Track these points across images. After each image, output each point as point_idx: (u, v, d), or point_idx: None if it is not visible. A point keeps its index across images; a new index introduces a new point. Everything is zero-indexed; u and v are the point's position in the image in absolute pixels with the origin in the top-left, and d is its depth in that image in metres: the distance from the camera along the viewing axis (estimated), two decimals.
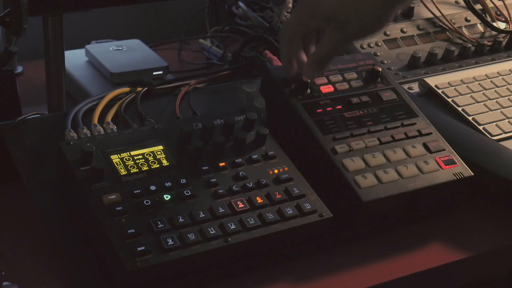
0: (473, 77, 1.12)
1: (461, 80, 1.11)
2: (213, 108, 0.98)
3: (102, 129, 0.88)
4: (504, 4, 1.28)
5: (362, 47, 1.14)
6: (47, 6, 1.01)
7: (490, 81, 1.12)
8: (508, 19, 1.26)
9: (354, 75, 0.98)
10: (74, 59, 1.23)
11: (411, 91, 1.08)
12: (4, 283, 0.80)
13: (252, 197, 0.82)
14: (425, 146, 0.93)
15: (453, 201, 0.95)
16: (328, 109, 0.93)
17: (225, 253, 0.78)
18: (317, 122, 0.91)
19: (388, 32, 1.18)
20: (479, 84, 1.11)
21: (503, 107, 1.07)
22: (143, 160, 0.84)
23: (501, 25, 1.25)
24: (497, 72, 1.14)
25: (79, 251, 0.80)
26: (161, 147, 0.85)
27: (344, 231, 0.88)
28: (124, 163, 0.82)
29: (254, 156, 0.87)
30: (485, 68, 1.15)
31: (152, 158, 0.84)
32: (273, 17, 1.27)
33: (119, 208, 0.77)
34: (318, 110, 0.92)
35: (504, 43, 1.22)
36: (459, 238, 0.92)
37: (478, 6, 1.26)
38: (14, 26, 0.91)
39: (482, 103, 1.07)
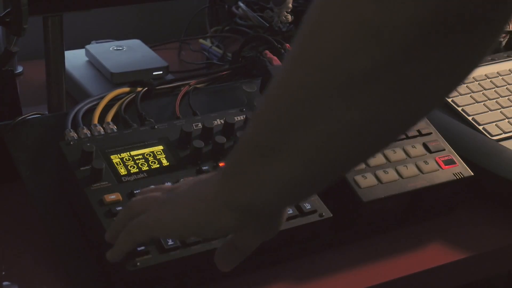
0: (473, 77, 1.12)
1: None
2: (213, 108, 0.98)
3: (102, 129, 0.88)
4: None
5: None
6: (47, 6, 1.01)
7: (490, 81, 1.12)
8: None
9: None
10: (74, 59, 1.22)
11: None
12: (4, 283, 0.80)
13: None
14: (425, 146, 0.93)
15: (453, 201, 0.95)
16: None
17: None
18: None
19: None
20: (479, 84, 1.11)
21: (503, 107, 1.07)
22: (143, 160, 0.84)
23: None
24: (497, 72, 1.14)
25: (79, 251, 0.80)
26: (161, 147, 0.85)
27: (344, 231, 0.88)
28: (124, 163, 0.82)
29: None
30: (485, 68, 1.15)
31: (152, 158, 0.84)
32: (273, 17, 1.27)
33: (119, 208, 0.77)
34: None
35: (504, 43, 1.22)
36: (459, 238, 0.92)
37: None
38: (14, 26, 0.91)
39: (482, 103, 1.07)
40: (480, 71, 1.14)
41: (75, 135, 0.86)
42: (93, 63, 1.22)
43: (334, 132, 0.52)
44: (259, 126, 0.56)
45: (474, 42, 0.49)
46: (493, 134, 1.02)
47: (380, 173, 0.88)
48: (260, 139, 0.56)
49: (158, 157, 0.84)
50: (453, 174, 0.91)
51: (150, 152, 0.85)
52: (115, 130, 0.88)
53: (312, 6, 0.50)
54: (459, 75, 0.52)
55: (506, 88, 1.11)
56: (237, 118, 0.90)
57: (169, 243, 0.75)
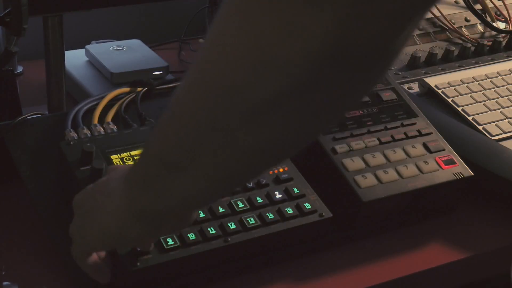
0: (473, 77, 1.12)
1: (461, 80, 1.11)
2: None
3: (102, 129, 0.88)
4: (504, 4, 1.28)
5: None
6: (47, 6, 1.01)
7: (490, 81, 1.12)
8: (508, 19, 1.26)
9: None
10: (74, 59, 1.22)
11: (411, 91, 1.08)
12: (4, 283, 0.80)
13: (252, 197, 0.82)
14: (425, 146, 0.93)
15: (453, 201, 0.95)
16: None
17: (225, 253, 0.78)
18: None
19: None
20: (479, 84, 1.11)
21: (503, 107, 1.07)
22: None
23: (501, 25, 1.25)
24: (497, 72, 1.14)
25: None
26: None
27: (344, 231, 0.88)
28: (124, 163, 0.82)
29: None
30: (485, 68, 1.15)
31: None
32: None
33: None
34: None
35: (504, 43, 1.22)
36: (459, 238, 0.92)
37: (478, 6, 1.26)
38: (14, 26, 0.91)
39: (482, 103, 1.07)
40: (480, 71, 1.14)
41: (75, 135, 0.86)
42: (93, 63, 1.22)
43: (237, 155, 0.53)
44: (164, 142, 0.57)
45: (367, 78, 0.51)
46: (493, 134, 1.02)
47: (380, 173, 0.88)
48: (165, 155, 0.57)
49: None
50: (453, 174, 0.91)
51: None
52: (115, 130, 0.88)
53: (212, 29, 0.50)
54: (351, 103, 0.56)
55: (506, 88, 1.11)
56: None
57: (169, 243, 0.75)
